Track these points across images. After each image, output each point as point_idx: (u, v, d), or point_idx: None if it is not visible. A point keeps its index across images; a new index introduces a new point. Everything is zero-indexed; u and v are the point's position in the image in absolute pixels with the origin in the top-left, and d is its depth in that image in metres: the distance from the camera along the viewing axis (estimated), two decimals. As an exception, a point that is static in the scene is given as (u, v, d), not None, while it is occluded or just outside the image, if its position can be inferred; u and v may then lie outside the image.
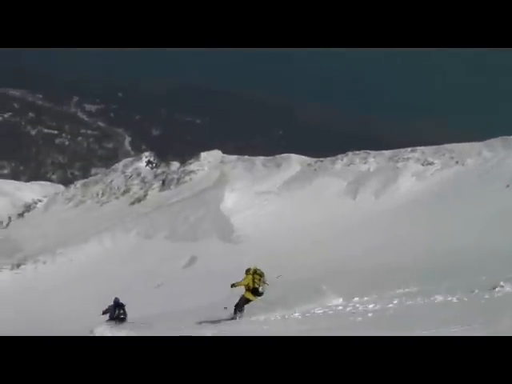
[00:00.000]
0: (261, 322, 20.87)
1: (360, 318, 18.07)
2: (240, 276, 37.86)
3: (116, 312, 28.03)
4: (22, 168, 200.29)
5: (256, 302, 23.13)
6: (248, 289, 23.33)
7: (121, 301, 28.64)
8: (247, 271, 23.75)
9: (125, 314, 28.09)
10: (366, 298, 22.11)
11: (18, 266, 68.73)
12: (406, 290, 22.73)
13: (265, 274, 23.64)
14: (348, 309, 20.75)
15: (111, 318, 27.92)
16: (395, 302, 20.30)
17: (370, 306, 20.35)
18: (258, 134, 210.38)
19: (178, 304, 29.76)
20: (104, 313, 28.59)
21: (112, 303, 28.52)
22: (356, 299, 22.16)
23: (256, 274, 23.41)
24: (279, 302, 22.98)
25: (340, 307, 21.30)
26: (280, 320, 20.68)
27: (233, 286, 23.93)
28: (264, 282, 23.42)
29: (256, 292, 23.28)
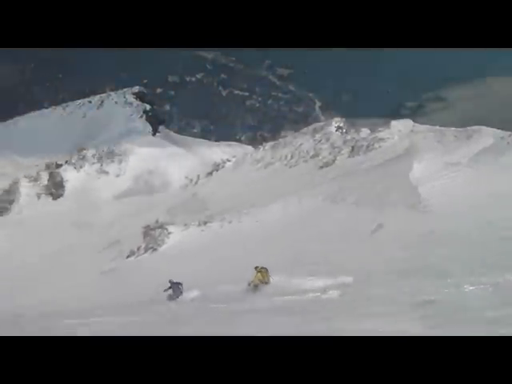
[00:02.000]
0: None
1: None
2: (423, 245, 37.16)
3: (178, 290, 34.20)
4: (212, 128, 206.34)
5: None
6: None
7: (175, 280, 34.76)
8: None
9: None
10: None
11: (205, 223, 70.57)
12: None
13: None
14: None
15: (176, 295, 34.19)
16: None
17: None
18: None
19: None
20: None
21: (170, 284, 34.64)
22: None
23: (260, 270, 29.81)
24: (462, 272, 23.14)
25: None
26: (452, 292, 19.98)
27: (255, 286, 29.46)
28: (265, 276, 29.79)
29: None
